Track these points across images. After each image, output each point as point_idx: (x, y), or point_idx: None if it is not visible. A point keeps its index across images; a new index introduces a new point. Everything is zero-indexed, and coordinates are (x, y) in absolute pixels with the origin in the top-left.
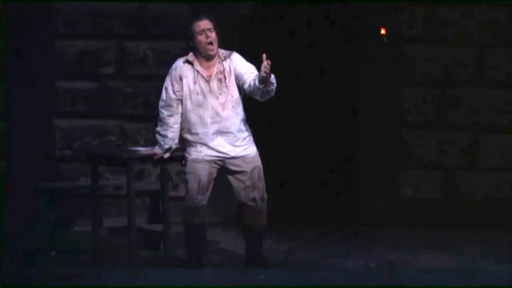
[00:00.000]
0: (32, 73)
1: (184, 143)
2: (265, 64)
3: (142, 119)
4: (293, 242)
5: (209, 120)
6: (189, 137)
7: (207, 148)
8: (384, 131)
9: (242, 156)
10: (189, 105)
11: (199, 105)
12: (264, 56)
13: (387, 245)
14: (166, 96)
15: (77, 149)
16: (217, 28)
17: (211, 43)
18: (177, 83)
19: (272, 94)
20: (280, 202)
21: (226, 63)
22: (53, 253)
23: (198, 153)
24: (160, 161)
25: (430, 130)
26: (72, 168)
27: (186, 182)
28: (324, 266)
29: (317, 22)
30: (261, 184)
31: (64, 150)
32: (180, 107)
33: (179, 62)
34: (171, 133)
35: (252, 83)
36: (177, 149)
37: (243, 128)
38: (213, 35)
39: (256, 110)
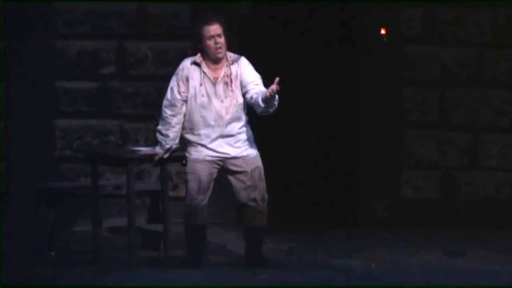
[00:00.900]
0: (32, 73)
1: (184, 143)
2: (274, 88)
3: (142, 119)
4: (293, 242)
5: (212, 122)
6: (190, 137)
7: (207, 148)
8: (385, 131)
9: (243, 157)
10: (193, 106)
11: (203, 107)
12: (277, 80)
13: (387, 245)
14: (171, 96)
15: (77, 149)
16: (226, 31)
17: (219, 48)
18: (183, 83)
19: (271, 112)
20: (280, 202)
21: (233, 67)
22: (53, 253)
23: (199, 153)
24: (160, 161)
25: (430, 130)
26: (72, 168)
27: (186, 182)
28: (324, 266)
29: (317, 22)
30: (262, 185)
31: (64, 150)
32: (184, 107)
33: (187, 63)
34: (172, 133)
35: (254, 96)
36: (177, 149)
37: (244, 130)
38: (222, 40)
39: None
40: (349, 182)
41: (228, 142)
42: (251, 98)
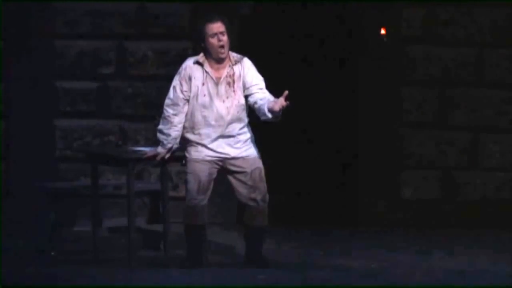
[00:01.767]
0: (32, 73)
1: (184, 143)
2: (283, 103)
3: (142, 119)
4: (293, 242)
5: (213, 122)
6: (191, 136)
7: (207, 148)
8: (384, 131)
9: (243, 157)
10: (194, 105)
11: (205, 107)
12: (286, 93)
13: (387, 245)
14: (173, 95)
15: (77, 149)
16: (229, 30)
17: (222, 47)
18: (186, 83)
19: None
20: (281, 202)
21: (236, 68)
22: (53, 253)
23: (199, 153)
24: (161, 161)
25: (430, 130)
26: (72, 168)
27: (186, 182)
28: (324, 266)
29: (317, 22)
30: (263, 185)
31: (64, 150)
32: (186, 107)
33: (189, 62)
34: (174, 132)
35: (260, 103)
36: (177, 149)
37: (245, 131)
38: (225, 38)
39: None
40: (349, 182)
41: (228, 142)
42: (255, 103)
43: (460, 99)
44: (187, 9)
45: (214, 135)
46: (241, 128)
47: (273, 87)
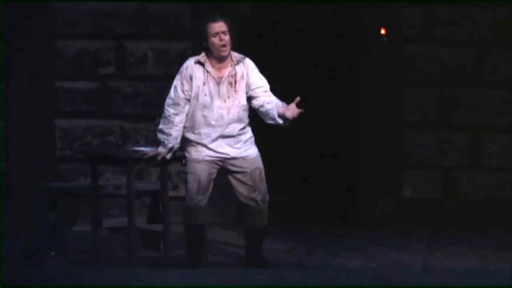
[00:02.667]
0: (32, 73)
1: (184, 143)
2: (296, 111)
3: (142, 119)
4: (293, 242)
5: (213, 122)
6: (191, 136)
7: (207, 148)
8: (384, 131)
9: (243, 157)
10: (195, 105)
11: (205, 106)
12: (297, 99)
13: (387, 245)
14: (174, 94)
15: (77, 149)
16: (231, 29)
17: (224, 46)
18: (187, 82)
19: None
20: (281, 202)
21: (239, 68)
22: (53, 253)
23: (198, 153)
24: (162, 161)
25: (430, 130)
26: (72, 168)
27: (186, 182)
28: (324, 266)
29: (317, 22)
30: (263, 186)
31: (64, 150)
32: (187, 106)
33: (191, 62)
34: (175, 132)
35: (268, 107)
36: (177, 149)
37: (245, 131)
38: (227, 38)
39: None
40: (349, 182)
41: (228, 142)
42: (261, 106)
43: (460, 99)
44: (187, 9)
45: (214, 135)
46: (241, 129)
47: (273, 87)
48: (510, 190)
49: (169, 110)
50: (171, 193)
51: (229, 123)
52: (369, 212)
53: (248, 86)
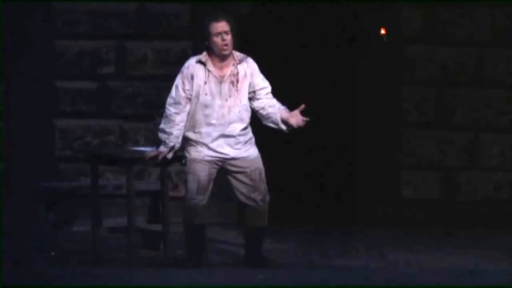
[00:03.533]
0: (32, 73)
1: (184, 142)
2: (301, 119)
3: (142, 119)
4: (293, 242)
5: (214, 121)
6: (191, 135)
7: (207, 148)
8: (384, 131)
9: (243, 157)
10: (196, 104)
11: (206, 105)
12: (302, 107)
13: (387, 245)
14: (176, 94)
15: (77, 149)
16: (234, 29)
17: (226, 45)
18: (188, 81)
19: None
20: (280, 202)
21: (241, 67)
22: (53, 253)
23: (198, 153)
24: (163, 161)
25: (430, 130)
26: (72, 168)
27: (185, 182)
28: (324, 266)
29: (317, 22)
30: (263, 186)
31: (64, 150)
32: (188, 106)
33: (192, 61)
34: (176, 131)
35: (269, 110)
36: (178, 149)
37: (246, 132)
38: (229, 37)
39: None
40: (349, 182)
41: (229, 142)
42: (262, 108)
43: (460, 99)
44: (187, 9)
45: (215, 134)
46: (242, 129)
47: (272, 87)
48: (510, 190)
49: (170, 109)
50: (171, 193)
51: (230, 123)
52: (369, 212)
53: (252, 86)
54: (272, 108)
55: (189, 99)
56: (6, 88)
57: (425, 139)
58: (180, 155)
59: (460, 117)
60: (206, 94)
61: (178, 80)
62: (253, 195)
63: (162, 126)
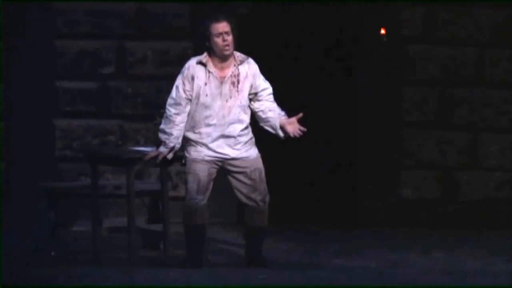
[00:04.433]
0: (32, 73)
1: (184, 142)
2: (299, 128)
3: (142, 119)
4: (293, 242)
5: (214, 122)
6: (191, 135)
7: (207, 148)
8: (384, 131)
9: (243, 158)
10: (196, 104)
11: (206, 106)
12: (300, 115)
13: (387, 245)
14: (176, 94)
15: (77, 149)
16: (234, 29)
17: (227, 45)
18: (189, 82)
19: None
20: (280, 202)
21: (242, 68)
22: (53, 253)
23: (198, 153)
24: (163, 162)
25: (430, 130)
26: (72, 168)
27: (185, 182)
28: (324, 266)
29: (317, 22)
30: (263, 186)
31: (64, 150)
32: (188, 106)
33: (192, 62)
34: (176, 131)
35: (269, 114)
36: (178, 149)
37: (246, 132)
38: (230, 38)
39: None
40: (349, 182)
41: (229, 143)
42: (262, 111)
43: (460, 99)
44: (187, 9)
45: (215, 135)
46: (242, 130)
47: (272, 88)
48: (510, 190)
49: (171, 110)
50: (171, 193)
51: (230, 123)
52: (369, 212)
53: (254, 88)
54: (272, 112)
55: (190, 100)
56: (6, 88)
57: (425, 139)
58: (180, 155)
59: (460, 117)
60: (206, 95)
61: (178, 81)
62: (253, 195)
63: (162, 126)
